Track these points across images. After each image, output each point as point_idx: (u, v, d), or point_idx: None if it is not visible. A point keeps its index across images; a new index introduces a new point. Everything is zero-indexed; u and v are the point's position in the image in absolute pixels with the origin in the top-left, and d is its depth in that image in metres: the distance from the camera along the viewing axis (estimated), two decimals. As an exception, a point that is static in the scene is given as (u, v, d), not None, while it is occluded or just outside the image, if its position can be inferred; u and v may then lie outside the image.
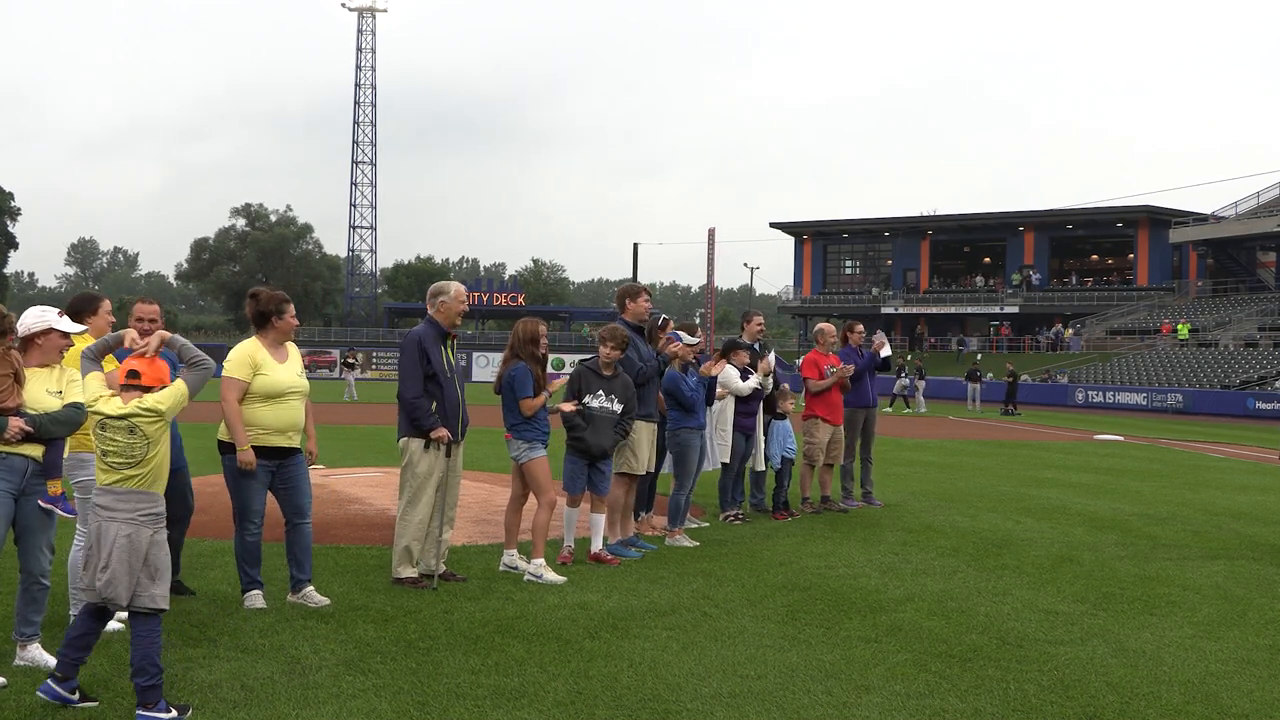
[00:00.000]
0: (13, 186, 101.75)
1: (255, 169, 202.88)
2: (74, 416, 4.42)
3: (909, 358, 42.15)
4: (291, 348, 5.81)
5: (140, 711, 3.87)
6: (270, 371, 5.57)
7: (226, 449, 5.57)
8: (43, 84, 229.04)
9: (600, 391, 6.93)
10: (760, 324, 9.49)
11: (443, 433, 6.10)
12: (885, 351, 10.11)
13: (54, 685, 3.97)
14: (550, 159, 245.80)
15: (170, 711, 3.88)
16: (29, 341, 4.58)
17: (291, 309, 5.78)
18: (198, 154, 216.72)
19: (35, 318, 4.62)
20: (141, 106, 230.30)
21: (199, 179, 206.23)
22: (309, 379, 5.94)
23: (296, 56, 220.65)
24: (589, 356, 7.15)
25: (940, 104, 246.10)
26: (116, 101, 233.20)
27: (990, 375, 40.10)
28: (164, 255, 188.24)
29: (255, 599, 5.58)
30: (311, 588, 5.71)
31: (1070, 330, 52.90)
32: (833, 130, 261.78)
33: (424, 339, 6.21)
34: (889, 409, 31.72)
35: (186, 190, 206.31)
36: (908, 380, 33.07)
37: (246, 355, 5.56)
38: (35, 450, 4.44)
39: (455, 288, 6.46)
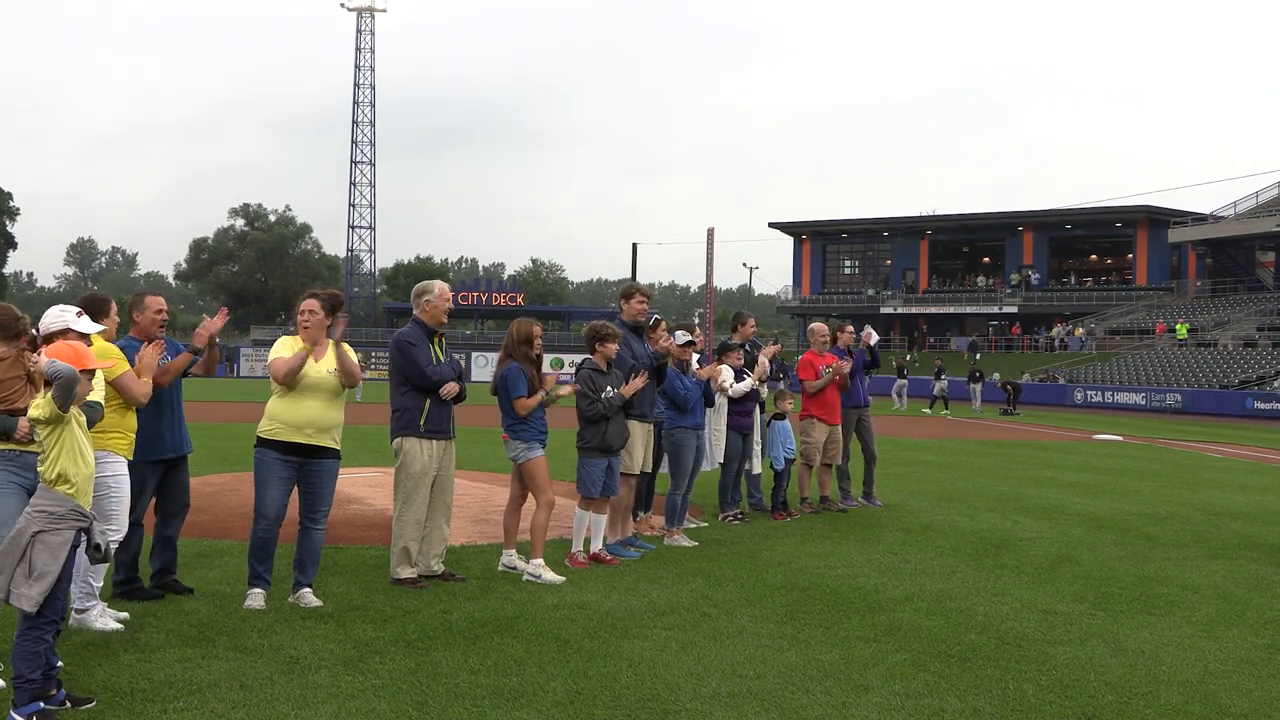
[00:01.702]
0: (19, 187, 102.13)
1: (254, 169, 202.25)
2: (87, 413, 4.36)
3: (907, 357, 42.08)
4: (334, 347, 5.74)
5: (10, 711, 3.82)
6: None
7: (260, 443, 5.63)
8: (45, 88, 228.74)
9: (608, 387, 6.96)
10: (753, 326, 9.53)
11: (452, 388, 6.18)
12: (873, 339, 10.21)
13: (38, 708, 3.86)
14: (550, 159, 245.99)
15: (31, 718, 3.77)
16: (46, 341, 4.61)
17: (304, 304, 5.73)
18: (196, 155, 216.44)
19: (54, 317, 4.66)
20: (142, 109, 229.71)
21: (197, 179, 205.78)
22: None
23: (295, 57, 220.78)
24: (585, 358, 7.16)
25: (941, 108, 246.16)
26: (118, 105, 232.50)
27: (995, 376, 40.13)
28: (163, 255, 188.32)
29: (255, 598, 5.54)
30: (308, 590, 5.67)
31: (1081, 330, 52.49)
32: (832, 132, 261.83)
33: (410, 338, 6.23)
34: (928, 410, 31.64)
35: (185, 190, 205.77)
36: (945, 382, 32.99)
37: (287, 340, 5.71)
38: None
39: (439, 286, 6.45)
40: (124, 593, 5.66)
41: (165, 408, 5.80)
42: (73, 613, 5.11)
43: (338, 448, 5.76)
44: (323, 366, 5.67)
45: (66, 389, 3.89)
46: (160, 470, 5.82)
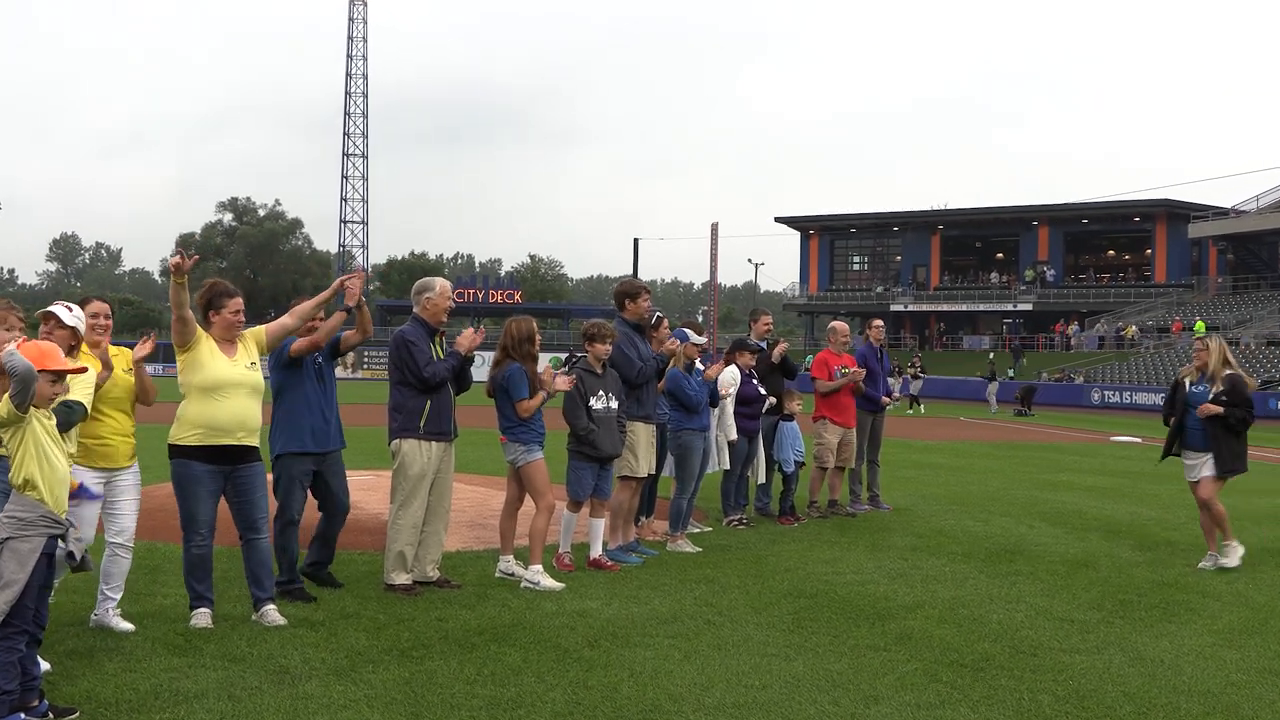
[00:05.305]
0: (9, 185, 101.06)
1: (243, 162, 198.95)
2: (62, 414, 4.17)
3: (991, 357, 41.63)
4: (247, 341, 5.45)
5: None
6: (208, 363, 5.22)
7: (174, 452, 5.26)
8: (39, 88, 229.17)
9: (600, 391, 6.81)
10: (768, 323, 9.37)
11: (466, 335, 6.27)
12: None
13: None
14: (550, 155, 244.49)
15: None
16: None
17: (232, 304, 5.38)
18: (188, 152, 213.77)
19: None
20: (137, 109, 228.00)
21: (187, 176, 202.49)
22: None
23: (291, 52, 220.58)
24: (580, 356, 7.02)
25: (953, 106, 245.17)
26: (110, 107, 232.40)
27: (1009, 374, 39.93)
28: (148, 251, 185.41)
29: (201, 618, 5.24)
30: (272, 606, 5.35)
31: (1134, 329, 51.01)
32: (839, 129, 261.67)
33: (411, 336, 6.14)
34: (910, 410, 31.71)
35: (172, 187, 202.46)
36: (905, 380, 33.11)
37: (201, 334, 5.31)
38: None
39: (440, 283, 6.39)
40: (283, 592, 5.67)
41: (314, 398, 5.88)
42: (92, 615, 5.15)
43: (258, 448, 5.44)
44: (238, 363, 5.34)
45: (21, 386, 3.77)
46: (311, 466, 5.90)
